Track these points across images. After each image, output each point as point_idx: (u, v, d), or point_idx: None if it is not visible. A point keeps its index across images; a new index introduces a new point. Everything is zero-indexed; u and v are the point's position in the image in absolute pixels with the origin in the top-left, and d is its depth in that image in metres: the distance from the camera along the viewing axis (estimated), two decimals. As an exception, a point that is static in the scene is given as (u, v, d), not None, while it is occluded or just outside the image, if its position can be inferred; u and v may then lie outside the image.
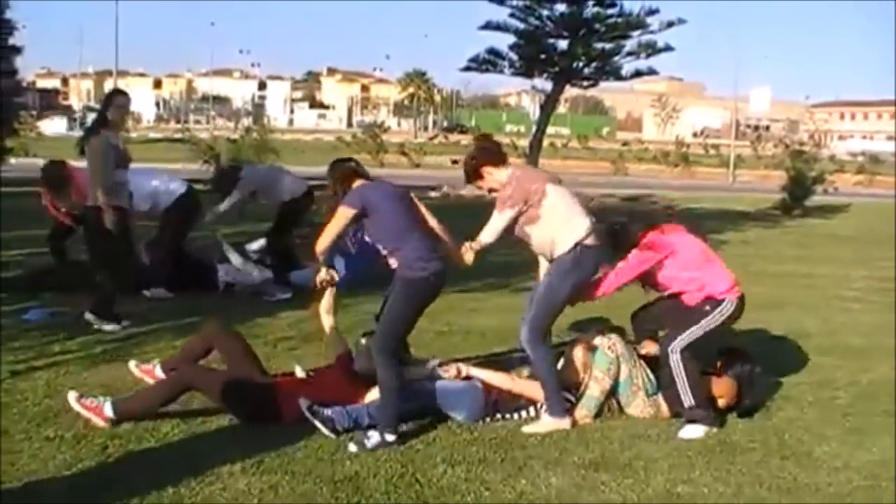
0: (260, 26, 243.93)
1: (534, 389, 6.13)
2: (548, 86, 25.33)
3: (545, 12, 23.86)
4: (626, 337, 6.54)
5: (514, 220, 6.02)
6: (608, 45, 24.08)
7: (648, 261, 6.29)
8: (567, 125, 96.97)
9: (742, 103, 58.68)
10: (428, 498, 4.80)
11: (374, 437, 5.49)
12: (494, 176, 6.11)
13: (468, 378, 6.20)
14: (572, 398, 6.16)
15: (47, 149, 37.17)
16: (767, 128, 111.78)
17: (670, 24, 23.57)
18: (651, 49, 23.85)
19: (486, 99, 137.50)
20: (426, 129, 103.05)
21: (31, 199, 11.28)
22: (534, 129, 26.97)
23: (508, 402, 6.15)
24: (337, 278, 6.13)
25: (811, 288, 11.88)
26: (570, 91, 29.94)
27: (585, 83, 25.50)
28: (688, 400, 6.07)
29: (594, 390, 6.14)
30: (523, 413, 6.14)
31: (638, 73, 25.11)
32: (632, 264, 6.32)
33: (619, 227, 6.48)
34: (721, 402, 6.31)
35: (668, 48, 23.98)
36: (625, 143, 74.50)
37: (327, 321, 6.52)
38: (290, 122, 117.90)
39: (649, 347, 6.55)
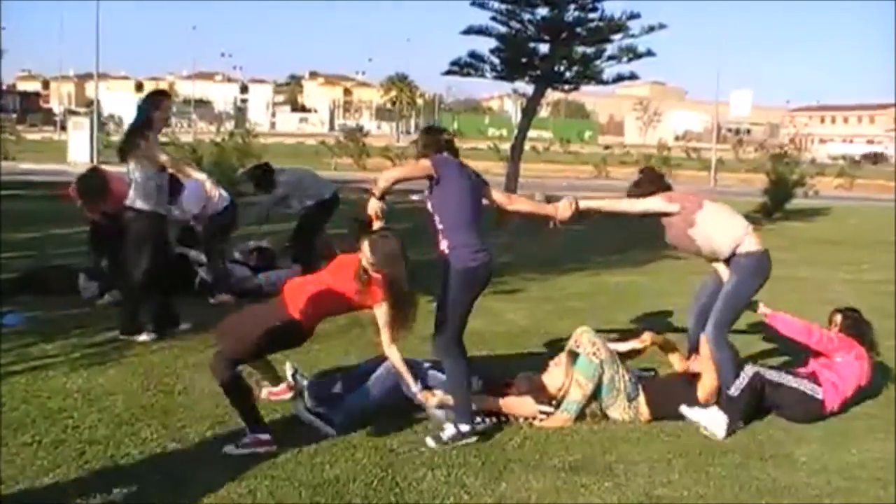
0: (242, 30, 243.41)
1: (516, 405, 6.11)
2: (529, 89, 25.27)
3: (527, 16, 23.80)
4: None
5: (665, 229, 6.50)
6: (590, 50, 24.05)
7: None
8: (549, 129, 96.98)
9: (723, 107, 58.82)
10: (408, 501, 4.80)
11: (449, 428, 5.64)
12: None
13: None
14: (548, 409, 6.17)
15: (28, 152, 37.19)
16: (748, 131, 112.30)
17: (651, 29, 23.56)
18: (632, 53, 23.82)
19: (468, 103, 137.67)
20: (408, 132, 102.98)
21: (15, 202, 11.23)
22: (515, 132, 26.93)
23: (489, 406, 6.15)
24: (384, 210, 5.91)
25: (793, 291, 11.91)
26: (552, 95, 30.00)
27: (567, 87, 25.43)
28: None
29: (576, 395, 6.15)
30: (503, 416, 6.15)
31: (620, 78, 25.07)
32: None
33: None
34: (702, 398, 6.34)
35: (649, 53, 23.96)
36: (607, 147, 74.60)
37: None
38: (273, 125, 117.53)
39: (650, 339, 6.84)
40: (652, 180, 6.85)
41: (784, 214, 23.15)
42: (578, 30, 23.66)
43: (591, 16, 23.56)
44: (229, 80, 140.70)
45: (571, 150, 67.45)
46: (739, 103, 55.92)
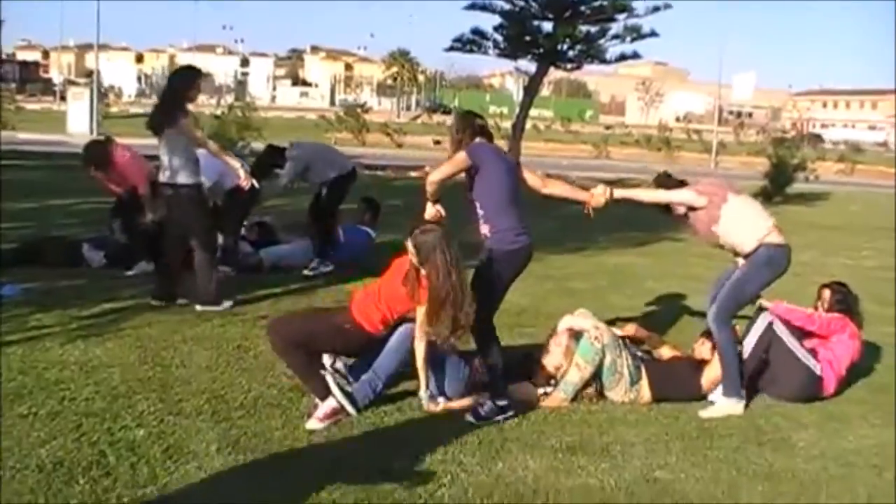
0: (244, 2, 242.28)
1: (514, 391, 6.08)
2: (532, 68, 25.21)
3: (531, -7, 23.77)
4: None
5: (693, 223, 6.52)
6: (593, 29, 23.99)
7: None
8: (550, 108, 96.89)
9: (725, 90, 58.63)
10: (404, 479, 4.79)
11: (487, 405, 5.72)
12: None
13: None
14: (548, 389, 6.18)
15: (27, 122, 37.08)
16: (750, 115, 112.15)
17: (656, 9, 23.51)
18: (636, 33, 23.76)
19: (469, 80, 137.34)
20: (408, 108, 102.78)
21: (14, 172, 11.19)
22: (517, 111, 26.86)
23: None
24: (443, 213, 6.07)
25: (792, 275, 11.86)
26: (554, 74, 29.84)
27: (569, 66, 25.37)
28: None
29: (573, 376, 6.14)
30: None
31: (622, 57, 25.00)
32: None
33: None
34: (705, 386, 6.34)
35: (653, 33, 23.90)
36: (608, 127, 74.44)
37: None
38: (273, 99, 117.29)
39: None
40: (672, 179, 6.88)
41: (784, 198, 23.10)
42: (582, 8, 23.59)
43: (596, -6, 23.49)
44: (230, 52, 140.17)
45: (572, 130, 67.27)
46: (742, 86, 55.62)
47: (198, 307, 7.90)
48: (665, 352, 6.83)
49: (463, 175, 6.01)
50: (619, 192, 6.48)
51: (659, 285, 10.54)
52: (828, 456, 5.59)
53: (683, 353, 6.91)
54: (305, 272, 9.66)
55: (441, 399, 5.97)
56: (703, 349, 6.66)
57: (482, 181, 5.88)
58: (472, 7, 24.05)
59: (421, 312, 5.75)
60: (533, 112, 29.39)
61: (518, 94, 55.49)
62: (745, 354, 6.46)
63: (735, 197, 6.51)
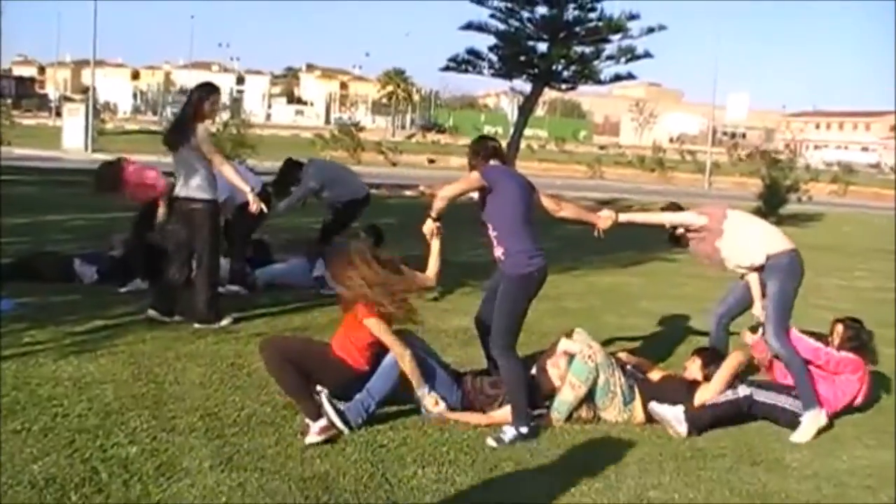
0: (240, 20, 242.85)
1: (506, 417, 6.08)
2: (526, 88, 25.25)
3: (526, 14, 23.78)
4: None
5: (697, 239, 6.70)
6: (588, 49, 24.05)
7: None
8: (544, 128, 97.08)
9: (719, 111, 58.90)
10: (398, 498, 4.78)
11: (509, 431, 5.75)
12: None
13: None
14: (541, 411, 6.17)
15: (23, 137, 37.06)
16: (744, 135, 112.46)
17: (650, 30, 23.57)
18: (630, 54, 23.82)
19: (464, 99, 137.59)
20: (403, 127, 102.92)
21: (9, 188, 11.18)
22: (511, 130, 26.91)
23: (481, 403, 6.14)
24: (441, 230, 6.14)
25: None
26: (549, 94, 29.95)
27: (564, 86, 25.42)
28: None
29: (568, 395, 6.14)
30: None
31: (617, 78, 25.06)
32: None
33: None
34: (697, 405, 6.33)
35: (647, 54, 23.97)
36: (602, 147, 74.72)
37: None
38: (268, 117, 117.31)
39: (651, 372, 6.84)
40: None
41: (778, 219, 23.13)
42: (577, 29, 23.64)
43: (591, 15, 23.55)
44: (226, 70, 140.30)
45: (566, 150, 67.49)
46: (736, 107, 56.08)
47: (195, 325, 7.88)
48: (654, 375, 6.83)
49: (475, 196, 6.08)
50: (624, 217, 6.70)
51: (652, 305, 10.56)
52: (821, 476, 5.59)
53: (675, 373, 6.91)
54: (323, 291, 9.53)
55: (441, 402, 5.97)
56: (693, 368, 6.67)
57: (495, 202, 5.93)
58: (467, 27, 24.10)
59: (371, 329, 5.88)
60: (527, 132, 29.51)
61: (513, 114, 55.63)
62: (717, 400, 6.36)
63: (733, 211, 6.64)
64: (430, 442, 5.61)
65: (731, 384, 6.39)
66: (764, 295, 6.72)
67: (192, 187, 7.90)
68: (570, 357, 6.31)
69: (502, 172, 6.09)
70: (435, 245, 6.22)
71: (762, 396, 6.45)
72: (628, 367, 6.62)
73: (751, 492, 5.26)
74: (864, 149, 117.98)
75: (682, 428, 6.11)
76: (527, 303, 5.97)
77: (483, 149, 6.27)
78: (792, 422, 6.39)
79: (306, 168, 10.20)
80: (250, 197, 8.04)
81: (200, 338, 7.56)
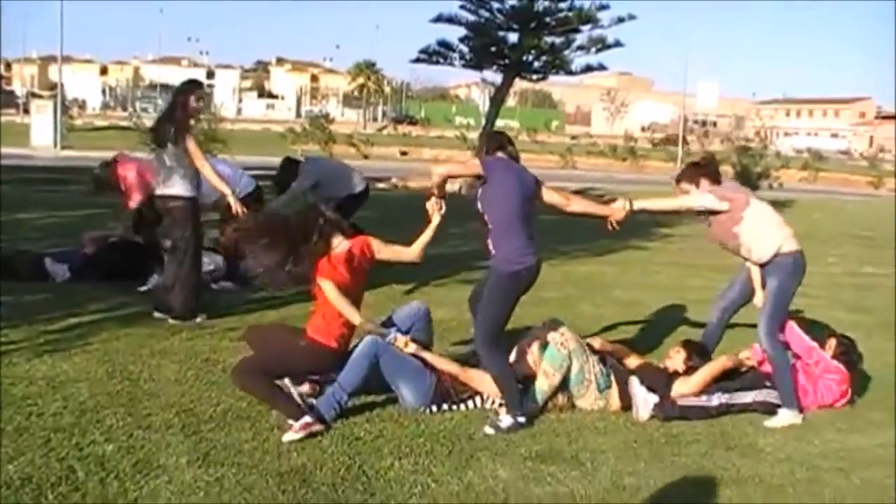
0: (209, 15, 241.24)
1: (480, 380, 6.15)
2: (497, 78, 25.31)
3: (496, 5, 23.84)
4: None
5: (716, 223, 6.59)
6: (558, 40, 24.12)
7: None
8: (516, 118, 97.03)
9: (690, 99, 59.14)
10: (375, 490, 4.79)
11: (505, 419, 5.80)
12: (706, 188, 6.67)
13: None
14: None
15: (-10, 135, 36.65)
16: (715, 123, 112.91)
17: (621, 20, 23.66)
18: (601, 44, 23.92)
19: (435, 91, 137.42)
20: (375, 119, 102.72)
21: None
22: (483, 121, 26.93)
23: (456, 391, 6.16)
24: (443, 207, 6.15)
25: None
26: (520, 84, 29.97)
27: (535, 77, 25.50)
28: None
29: (542, 383, 6.17)
30: (470, 403, 6.17)
31: (588, 68, 25.15)
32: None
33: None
34: (675, 396, 6.36)
35: (618, 44, 24.06)
36: (573, 137, 74.82)
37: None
38: (239, 111, 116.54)
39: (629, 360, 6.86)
40: (707, 165, 6.99)
41: (749, 206, 23.26)
42: (548, 19, 23.70)
43: (561, 5, 23.64)
44: (196, 65, 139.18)
45: (538, 140, 67.52)
46: (706, 95, 56.32)
47: (170, 320, 7.86)
48: (632, 362, 6.86)
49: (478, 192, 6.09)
50: (639, 204, 6.65)
51: (626, 294, 10.63)
52: (794, 460, 5.65)
53: (652, 362, 6.95)
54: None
55: (412, 343, 6.07)
56: (677, 359, 6.70)
57: (490, 194, 5.95)
58: (438, 19, 24.12)
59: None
60: (499, 122, 29.44)
61: (484, 105, 55.64)
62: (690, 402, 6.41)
63: (757, 201, 6.66)
64: (406, 434, 5.62)
65: (709, 385, 6.43)
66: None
67: (173, 185, 7.88)
68: (543, 344, 6.34)
69: (502, 165, 6.08)
70: (435, 221, 6.25)
71: (737, 399, 6.49)
72: (607, 356, 6.65)
73: (725, 476, 5.31)
74: (834, 135, 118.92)
75: (644, 414, 6.21)
76: (513, 300, 5.97)
77: (494, 141, 6.33)
78: (768, 410, 6.45)
79: (303, 166, 10.24)
80: (231, 200, 8.01)
81: (174, 334, 7.54)
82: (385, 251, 6.32)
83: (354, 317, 5.92)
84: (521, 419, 5.84)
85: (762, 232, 6.52)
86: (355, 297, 6.05)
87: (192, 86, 8.22)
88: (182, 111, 7.94)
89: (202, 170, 7.97)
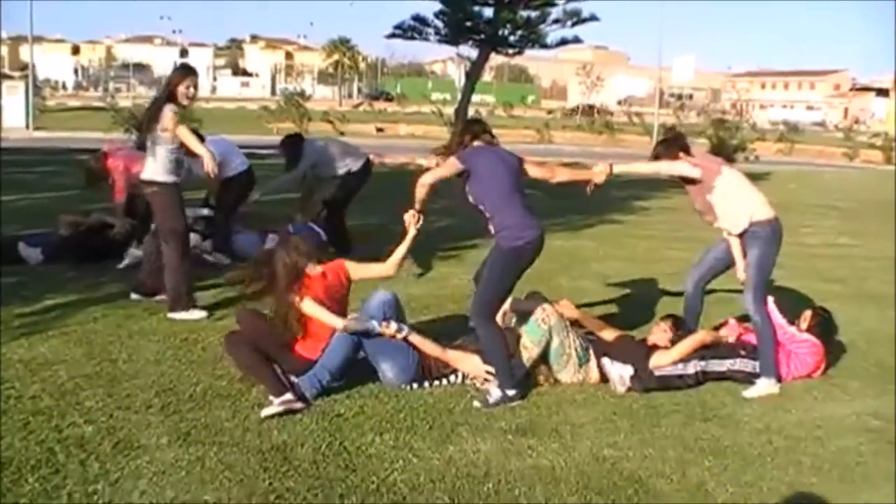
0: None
1: (461, 361, 6.16)
2: (473, 53, 25.28)
3: (471, -21, 23.81)
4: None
5: (692, 192, 6.71)
6: (533, 14, 24.11)
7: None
8: (492, 93, 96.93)
9: (666, 73, 59.12)
10: (356, 466, 4.81)
11: (495, 393, 5.84)
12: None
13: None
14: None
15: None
16: (691, 97, 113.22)
17: (595, -7, 23.66)
18: (576, 18, 23.96)
19: (411, 66, 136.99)
20: (350, 96, 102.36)
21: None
22: (459, 96, 26.91)
23: (438, 368, 6.18)
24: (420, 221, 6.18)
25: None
26: (496, 59, 29.94)
27: (511, 51, 25.49)
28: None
29: (521, 358, 6.19)
30: (452, 378, 6.18)
31: (563, 42, 25.20)
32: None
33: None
34: (653, 366, 6.38)
35: (593, 17, 24.12)
36: (549, 112, 74.81)
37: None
38: (213, 89, 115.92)
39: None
40: (677, 139, 7.14)
41: (725, 178, 23.35)
42: (523, -7, 23.65)
43: (536, -21, 23.57)
44: (168, 43, 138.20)
45: (514, 115, 67.52)
46: (682, 69, 56.23)
47: (169, 315, 7.60)
48: (607, 335, 6.88)
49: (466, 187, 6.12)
50: (619, 168, 6.70)
51: (603, 267, 10.67)
52: (772, 430, 5.70)
53: (629, 334, 6.98)
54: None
55: (404, 328, 6.09)
56: (660, 335, 6.72)
57: (477, 183, 6.00)
58: (412, -6, 24.04)
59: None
60: (475, 97, 29.49)
61: (460, 80, 55.50)
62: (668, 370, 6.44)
63: (729, 170, 6.75)
64: (386, 410, 5.64)
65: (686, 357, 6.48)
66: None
67: (155, 170, 7.69)
68: (522, 317, 6.39)
69: (480, 152, 6.16)
70: (410, 234, 6.24)
71: (713, 366, 6.53)
72: (578, 329, 6.68)
73: (704, 447, 5.35)
74: (810, 108, 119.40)
75: (621, 388, 6.24)
76: (515, 276, 6.04)
77: (468, 131, 6.41)
78: (745, 379, 6.50)
79: (304, 146, 10.30)
80: (206, 160, 7.82)
81: (153, 314, 7.52)
82: (360, 271, 6.41)
83: (336, 322, 5.92)
84: (511, 391, 5.87)
85: (735, 200, 6.58)
86: (337, 313, 6.05)
87: (184, 71, 8.04)
88: (167, 97, 7.71)
89: (180, 134, 7.67)
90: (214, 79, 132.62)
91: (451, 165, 6.11)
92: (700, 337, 6.61)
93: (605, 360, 6.35)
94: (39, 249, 9.35)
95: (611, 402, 6.02)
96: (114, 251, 9.46)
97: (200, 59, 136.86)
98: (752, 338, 6.76)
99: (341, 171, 10.27)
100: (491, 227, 6.03)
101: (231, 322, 7.21)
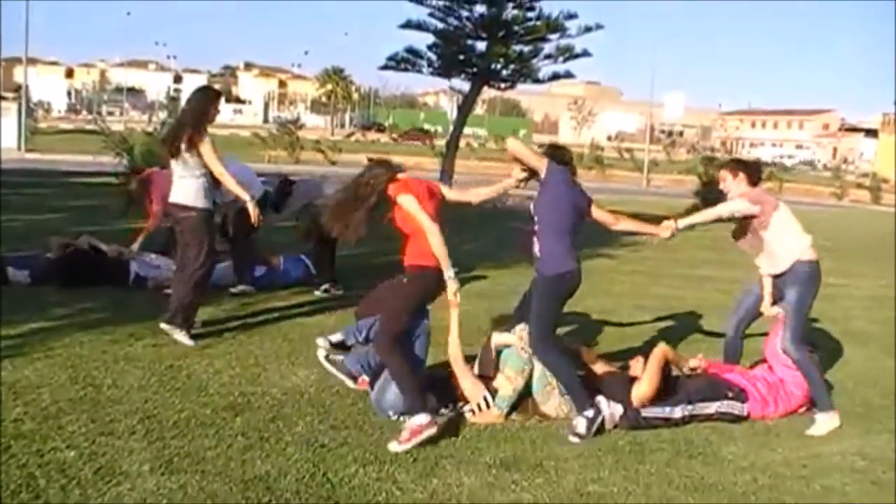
0: (177, 18, 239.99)
1: (464, 375, 6.30)
2: (466, 86, 25.37)
3: (464, 13, 23.91)
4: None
5: (743, 228, 6.91)
6: (526, 48, 24.22)
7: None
8: (484, 126, 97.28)
9: (657, 109, 59.50)
10: (339, 498, 4.79)
11: (581, 422, 5.93)
12: (740, 179, 6.93)
13: None
14: (488, 401, 6.20)
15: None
16: (681, 133, 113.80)
17: (588, 29, 23.79)
18: (568, 53, 24.04)
19: (404, 98, 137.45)
20: (342, 126, 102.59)
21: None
22: (451, 128, 26.99)
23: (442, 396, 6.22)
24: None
25: (719, 292, 12.14)
26: (488, 92, 30.05)
27: (503, 85, 25.57)
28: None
29: (506, 390, 6.19)
30: (449, 407, 6.19)
31: (555, 77, 25.26)
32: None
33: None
34: (635, 400, 6.38)
35: (585, 53, 24.21)
36: (541, 146, 75.05)
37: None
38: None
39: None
40: (746, 164, 7.23)
41: (714, 216, 23.39)
42: (516, 28, 23.78)
43: (529, 14, 23.72)
44: (163, 69, 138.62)
45: (506, 148, 67.76)
46: (673, 105, 56.68)
47: (161, 325, 7.59)
48: (599, 368, 6.88)
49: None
50: (683, 222, 6.91)
51: (592, 302, 10.65)
52: (757, 468, 5.70)
53: (611, 369, 6.97)
54: (316, 293, 9.89)
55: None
56: (636, 366, 6.74)
57: (543, 197, 6.17)
58: (406, 26, 24.15)
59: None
60: (467, 130, 29.53)
61: (452, 113, 55.77)
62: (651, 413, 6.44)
63: (784, 206, 6.86)
64: (370, 441, 5.61)
65: (664, 376, 6.49)
66: (778, 297, 6.92)
67: (187, 194, 7.64)
68: (502, 350, 6.41)
69: (564, 178, 6.24)
70: (506, 182, 6.62)
71: (701, 409, 6.52)
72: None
73: (689, 485, 5.34)
74: (799, 146, 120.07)
75: (608, 426, 6.19)
76: (558, 303, 6.21)
77: (556, 151, 6.57)
78: (732, 420, 6.51)
79: (295, 188, 10.44)
80: (249, 206, 7.82)
81: (138, 340, 7.48)
82: (449, 193, 6.49)
83: (433, 230, 5.93)
84: (590, 413, 5.98)
85: (786, 238, 6.74)
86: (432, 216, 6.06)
87: (210, 93, 8.06)
88: (194, 117, 7.68)
89: (221, 177, 7.71)
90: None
91: (540, 161, 6.17)
92: (659, 354, 6.62)
93: (602, 400, 6.31)
94: (27, 273, 9.31)
95: (596, 438, 6.00)
96: (102, 275, 9.42)
97: (194, 86, 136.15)
98: (734, 377, 6.79)
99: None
100: (535, 248, 6.18)
101: (215, 351, 7.23)
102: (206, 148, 7.57)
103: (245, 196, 7.83)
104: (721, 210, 6.97)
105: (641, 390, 6.37)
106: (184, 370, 6.76)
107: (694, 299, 11.32)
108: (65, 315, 8.12)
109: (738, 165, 7.07)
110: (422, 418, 5.62)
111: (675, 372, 6.85)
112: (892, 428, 6.68)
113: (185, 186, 7.64)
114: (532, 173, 6.27)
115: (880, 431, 6.62)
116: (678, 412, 6.42)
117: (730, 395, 6.61)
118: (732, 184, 6.94)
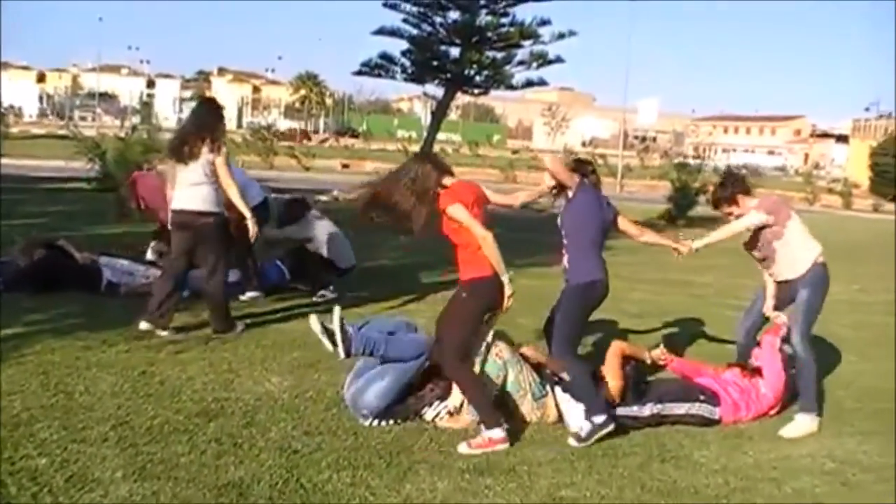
0: (150, 23, 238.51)
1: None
2: (439, 92, 25.38)
3: (438, 19, 23.96)
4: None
5: (755, 237, 7.01)
6: (500, 55, 24.28)
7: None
8: (458, 132, 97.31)
9: (630, 115, 59.69)
10: (313, 503, 4.78)
11: (585, 426, 5.95)
12: (747, 203, 7.03)
13: None
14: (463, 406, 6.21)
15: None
16: (654, 139, 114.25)
17: (561, 36, 23.88)
18: (542, 59, 24.11)
19: (377, 104, 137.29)
20: (316, 131, 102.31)
21: None
22: (425, 134, 27.01)
23: (426, 396, 6.26)
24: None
25: (693, 297, 12.22)
26: (462, 98, 30.10)
27: (476, 91, 25.63)
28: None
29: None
30: (427, 409, 6.22)
31: (529, 83, 25.34)
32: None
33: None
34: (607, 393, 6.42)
35: (558, 59, 24.28)
36: (514, 151, 75.11)
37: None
38: (180, 120, 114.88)
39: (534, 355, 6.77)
40: (734, 181, 7.30)
41: (687, 221, 23.57)
42: (489, 34, 23.84)
43: (503, 21, 23.78)
44: (136, 73, 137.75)
45: (480, 154, 67.77)
46: (646, 111, 56.80)
47: (141, 325, 7.88)
48: (566, 376, 6.88)
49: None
50: (700, 243, 7.10)
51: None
52: (729, 471, 5.74)
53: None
54: (315, 298, 9.90)
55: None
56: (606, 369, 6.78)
57: (571, 211, 6.31)
58: (379, 32, 24.17)
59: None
60: (441, 136, 29.59)
61: (426, 119, 55.77)
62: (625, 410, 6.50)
63: (796, 215, 6.99)
64: (344, 446, 5.62)
65: (624, 369, 6.61)
66: (790, 300, 7.01)
67: (201, 200, 7.84)
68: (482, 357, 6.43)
69: (589, 189, 6.36)
70: (542, 186, 6.59)
71: (670, 409, 6.57)
72: (541, 367, 6.69)
73: (661, 488, 5.38)
74: (771, 152, 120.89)
75: (573, 423, 6.19)
76: (584, 313, 6.31)
77: (579, 165, 6.64)
78: (701, 423, 6.56)
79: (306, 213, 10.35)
80: (249, 223, 8.05)
81: (111, 346, 7.44)
82: (493, 196, 6.50)
83: (486, 237, 5.94)
84: (600, 419, 5.99)
85: (798, 246, 6.87)
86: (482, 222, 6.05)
87: (216, 107, 8.39)
88: (209, 127, 7.95)
89: (228, 190, 7.95)
90: (181, 110, 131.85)
91: (571, 178, 6.24)
92: (615, 349, 6.74)
93: (558, 390, 6.35)
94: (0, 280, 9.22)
95: (569, 443, 6.02)
96: (74, 282, 9.36)
97: (167, 90, 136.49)
98: (706, 381, 6.84)
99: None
100: (563, 260, 6.35)
101: (188, 357, 7.20)
102: (222, 160, 7.90)
103: (247, 212, 8.05)
104: (736, 226, 7.07)
105: (609, 387, 6.42)
106: (156, 376, 6.73)
107: (670, 304, 11.40)
108: (37, 321, 8.06)
109: (729, 192, 7.13)
110: (498, 433, 5.79)
111: (644, 374, 6.90)
112: (863, 430, 6.76)
113: (201, 193, 7.85)
114: (561, 187, 6.34)
115: (851, 434, 6.69)
116: (646, 410, 6.47)
117: (702, 397, 6.66)
118: (739, 209, 7.05)
